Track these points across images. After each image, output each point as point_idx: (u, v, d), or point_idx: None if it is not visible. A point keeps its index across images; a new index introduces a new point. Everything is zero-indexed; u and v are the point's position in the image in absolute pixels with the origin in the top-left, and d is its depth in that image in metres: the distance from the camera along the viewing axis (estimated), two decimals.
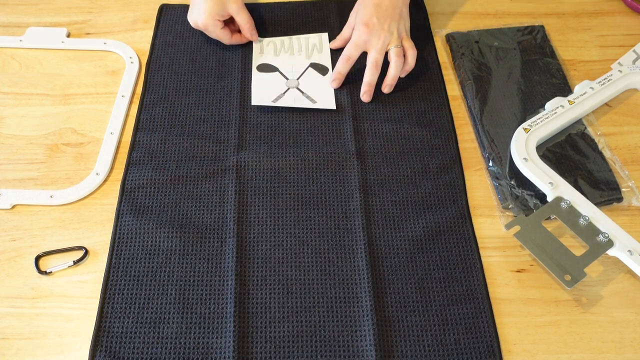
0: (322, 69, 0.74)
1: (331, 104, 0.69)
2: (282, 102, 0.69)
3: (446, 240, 0.59)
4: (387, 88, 0.69)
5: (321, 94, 0.71)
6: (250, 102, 0.70)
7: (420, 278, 0.56)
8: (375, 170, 0.64)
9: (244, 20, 0.73)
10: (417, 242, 0.59)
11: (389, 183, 0.63)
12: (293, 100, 0.70)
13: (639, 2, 0.79)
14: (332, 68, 0.74)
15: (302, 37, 0.77)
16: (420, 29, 0.78)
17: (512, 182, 0.62)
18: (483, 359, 0.51)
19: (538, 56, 0.74)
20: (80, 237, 0.60)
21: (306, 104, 0.69)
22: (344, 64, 0.70)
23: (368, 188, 0.63)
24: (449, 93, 0.72)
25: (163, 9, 0.81)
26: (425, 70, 0.74)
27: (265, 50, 0.76)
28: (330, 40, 0.77)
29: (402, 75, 0.71)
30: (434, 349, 0.52)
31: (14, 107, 0.70)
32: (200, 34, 0.76)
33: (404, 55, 0.69)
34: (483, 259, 0.58)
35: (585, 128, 0.67)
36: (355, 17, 0.71)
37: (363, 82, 0.69)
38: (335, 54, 0.75)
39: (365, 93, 0.69)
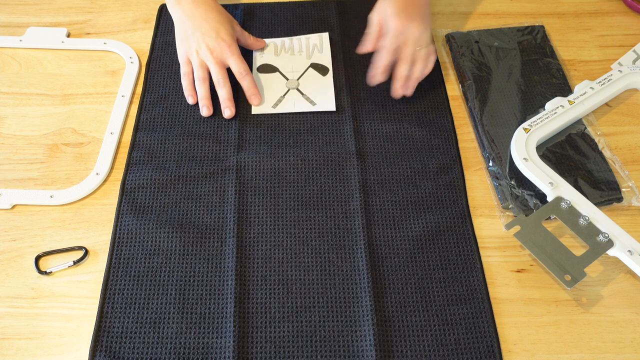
0: (322, 69, 0.74)
1: (331, 106, 0.69)
2: (282, 108, 0.69)
3: (446, 240, 0.59)
4: (409, 90, 0.67)
5: (321, 95, 0.71)
6: (251, 106, 0.70)
7: (420, 278, 0.56)
8: (375, 170, 0.64)
9: (248, 37, 0.74)
10: (417, 242, 0.59)
11: (389, 183, 0.63)
12: (293, 104, 0.70)
13: (639, 2, 0.79)
14: (333, 68, 0.74)
15: (303, 37, 0.77)
16: None
17: (512, 182, 0.62)
18: (483, 359, 0.51)
19: (538, 56, 0.74)
20: (80, 237, 0.60)
21: (306, 107, 0.69)
22: (389, 56, 0.66)
23: (368, 188, 0.63)
24: (449, 93, 0.72)
25: (163, 9, 0.81)
26: None
27: (266, 50, 0.76)
28: (330, 40, 0.77)
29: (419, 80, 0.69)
30: (434, 349, 0.52)
31: (14, 107, 0.70)
32: None
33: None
34: (483, 259, 0.58)
35: (585, 128, 0.67)
36: (385, 10, 0.67)
37: (397, 77, 0.67)
38: (336, 54, 0.75)
39: (402, 87, 0.67)
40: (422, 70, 0.67)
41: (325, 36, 0.77)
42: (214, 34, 0.68)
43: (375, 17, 0.68)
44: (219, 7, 0.71)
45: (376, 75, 0.67)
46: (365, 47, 0.70)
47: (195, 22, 0.69)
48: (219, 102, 0.69)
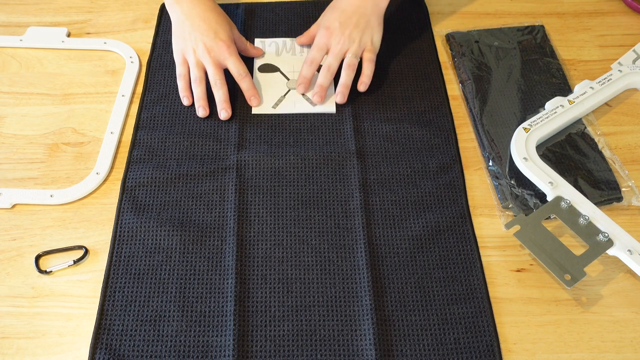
0: None
1: (331, 108, 0.69)
2: (282, 109, 0.69)
3: (446, 239, 0.59)
4: (339, 96, 0.68)
5: None
6: (251, 106, 0.70)
7: (420, 277, 0.56)
8: (375, 170, 0.64)
9: (246, 42, 0.73)
10: (417, 241, 0.59)
11: (389, 182, 0.63)
12: (293, 104, 0.70)
13: (639, 2, 0.79)
14: None
15: None
16: (420, 28, 0.78)
17: (512, 182, 0.62)
18: (483, 359, 0.51)
19: (538, 56, 0.74)
20: (80, 236, 0.60)
21: (306, 108, 0.69)
22: (308, 67, 0.69)
23: (368, 187, 0.63)
24: (449, 93, 0.72)
25: (164, 8, 0.81)
26: (425, 70, 0.74)
27: (267, 50, 0.76)
28: None
29: (361, 89, 0.69)
30: (433, 349, 0.52)
31: (14, 107, 0.71)
32: None
33: (363, 67, 0.69)
34: (483, 259, 0.58)
35: (585, 128, 0.67)
36: (324, 18, 0.72)
37: (315, 84, 0.69)
38: None
39: (316, 94, 0.68)
40: (349, 77, 0.68)
41: None
42: (212, 34, 0.68)
43: (320, 19, 0.73)
44: (218, 8, 0.71)
45: (297, 86, 0.70)
46: (300, 39, 0.75)
47: (194, 22, 0.68)
48: (215, 102, 0.69)
